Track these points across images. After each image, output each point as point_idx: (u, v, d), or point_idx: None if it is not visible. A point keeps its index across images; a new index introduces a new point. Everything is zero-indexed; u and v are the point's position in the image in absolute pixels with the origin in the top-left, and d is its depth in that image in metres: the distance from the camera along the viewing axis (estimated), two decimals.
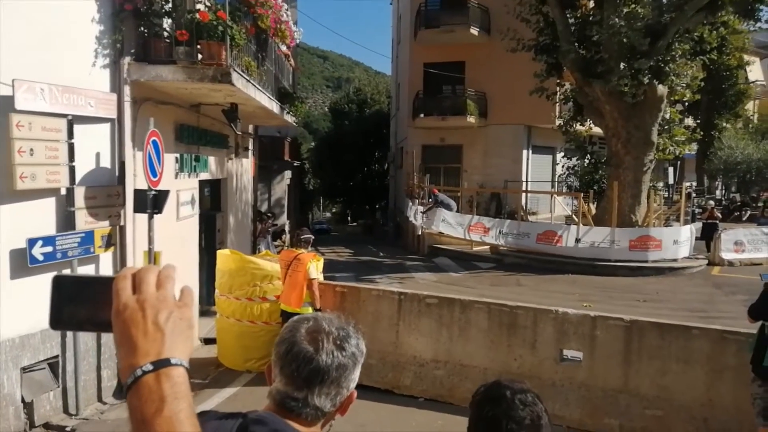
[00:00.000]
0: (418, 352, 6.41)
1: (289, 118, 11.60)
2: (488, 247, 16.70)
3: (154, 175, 6.55)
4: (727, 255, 15.55)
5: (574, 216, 16.91)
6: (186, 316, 0.81)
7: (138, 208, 6.48)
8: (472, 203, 18.67)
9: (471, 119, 21.60)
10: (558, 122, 19.16)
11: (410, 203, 19.58)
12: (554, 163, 24.15)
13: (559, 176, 22.47)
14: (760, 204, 24.67)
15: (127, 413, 0.75)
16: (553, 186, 23.46)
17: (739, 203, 25.43)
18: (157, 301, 0.78)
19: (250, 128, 12.51)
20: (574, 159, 20.64)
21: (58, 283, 0.83)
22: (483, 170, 22.37)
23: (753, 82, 29.89)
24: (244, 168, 12.27)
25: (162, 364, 0.75)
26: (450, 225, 17.23)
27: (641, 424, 5.39)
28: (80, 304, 0.82)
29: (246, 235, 12.89)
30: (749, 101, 30.26)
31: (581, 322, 5.78)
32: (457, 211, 18.02)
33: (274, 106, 9.82)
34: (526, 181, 21.85)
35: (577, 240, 15.03)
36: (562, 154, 23.55)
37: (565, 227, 15.94)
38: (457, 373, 6.12)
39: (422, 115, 22.31)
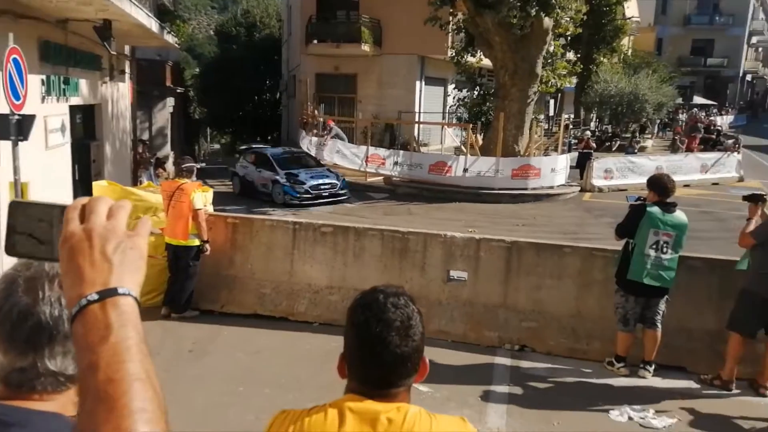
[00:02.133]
0: (313, 279, 6.48)
1: (170, 39, 10.78)
2: (381, 178, 16.93)
3: (17, 98, 5.86)
4: (597, 182, 16.90)
5: (462, 147, 17.49)
6: (138, 245, 0.78)
7: (0, 135, 5.81)
8: (366, 134, 18.67)
9: (366, 47, 21.23)
10: (450, 53, 19.36)
11: (304, 134, 19.22)
12: (446, 95, 24.57)
13: (450, 108, 22.96)
14: (629, 135, 26.81)
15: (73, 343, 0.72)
16: (444, 117, 23.95)
17: (610, 134, 27.46)
18: (106, 230, 0.76)
19: (127, 49, 11.49)
20: (464, 91, 21.10)
21: (14, 209, 0.80)
22: (377, 101, 22.30)
23: (630, 18, 31.71)
24: (120, 93, 11.34)
25: (108, 293, 0.72)
26: (345, 156, 17.21)
27: (517, 335, 5.89)
28: (34, 231, 0.80)
29: (125, 167, 12.10)
30: (625, 37, 32.16)
31: (467, 244, 6.09)
32: (350, 142, 17.99)
33: (152, 25, 9.05)
34: (419, 113, 22.11)
35: (465, 170, 15.63)
36: (453, 85, 23.99)
37: (454, 158, 16.48)
38: (351, 297, 6.20)
39: (315, 42, 21.60)
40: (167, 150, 20.70)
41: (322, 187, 14.44)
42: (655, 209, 5.16)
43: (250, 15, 37.62)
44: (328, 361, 5.17)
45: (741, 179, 19.01)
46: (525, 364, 5.58)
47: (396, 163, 16.52)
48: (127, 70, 11.67)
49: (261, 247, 6.60)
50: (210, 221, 6.43)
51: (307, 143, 18.17)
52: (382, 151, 17.04)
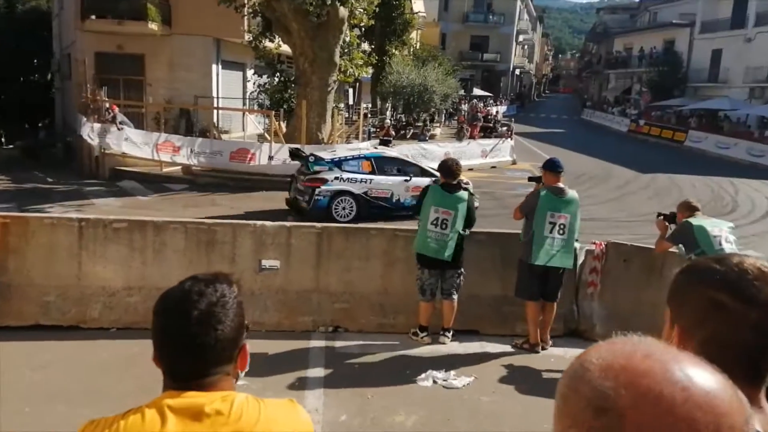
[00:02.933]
0: (107, 281, 5.88)
1: None
2: (180, 167, 15.95)
3: None
4: None
5: (266, 134, 17.24)
6: None
7: None
8: (159, 120, 17.36)
9: (153, 26, 19.64)
10: (248, 37, 18.85)
11: (84, 120, 17.23)
12: (245, 80, 23.93)
13: (250, 93, 22.43)
14: (420, 124, 28.87)
15: None
16: (244, 104, 23.34)
17: (404, 123, 29.28)
18: None
19: None
20: (264, 77, 20.74)
21: None
22: (170, 84, 20.84)
23: (417, 13, 33.98)
24: None
25: None
26: (135, 144, 15.79)
27: (331, 317, 6.03)
28: None
29: None
30: (414, 30, 34.42)
31: (278, 232, 6.04)
32: (137, 128, 16.57)
33: None
34: (217, 98, 21.21)
35: (270, 157, 15.44)
36: (253, 71, 23.45)
37: (258, 145, 16.16)
38: (154, 297, 5.66)
39: (93, 17, 19.38)
40: None
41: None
42: (437, 188, 5.78)
43: None
44: (131, 367, 4.79)
45: (514, 162, 21.69)
46: (339, 344, 5.74)
47: (192, 152, 15.63)
48: None
49: (40, 249, 5.79)
50: None
51: (89, 130, 16.31)
52: (176, 139, 15.96)
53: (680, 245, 5.24)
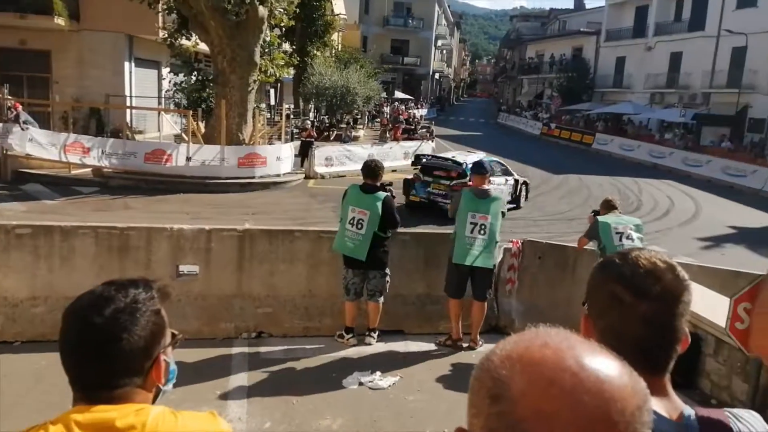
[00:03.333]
0: (9, 291, 5.47)
1: None
2: (90, 169, 15.09)
3: None
4: (319, 169, 17.83)
5: (183, 134, 16.65)
6: None
7: None
8: (67, 120, 16.34)
9: (60, 21, 18.47)
10: (162, 34, 18.14)
11: None
12: (160, 79, 23.01)
13: (166, 92, 21.60)
14: (344, 125, 28.86)
15: None
16: (160, 103, 22.44)
17: (328, 124, 29.17)
18: None
19: None
20: (181, 75, 20.02)
21: None
22: (78, 82, 19.69)
23: (337, 15, 33.94)
24: None
25: None
26: (41, 145, 14.77)
27: (254, 322, 5.91)
28: None
29: None
30: (335, 32, 34.36)
31: (197, 236, 5.85)
32: (43, 128, 15.53)
33: None
34: (130, 97, 20.26)
35: (188, 158, 14.93)
36: (168, 69, 22.58)
37: (174, 146, 15.58)
38: (61, 308, 5.36)
39: None
40: None
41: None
42: (355, 187, 5.84)
43: None
44: (38, 383, 4.49)
45: None
46: (263, 349, 5.63)
47: (104, 153, 14.84)
48: None
49: None
50: None
51: None
52: (85, 139, 15.09)
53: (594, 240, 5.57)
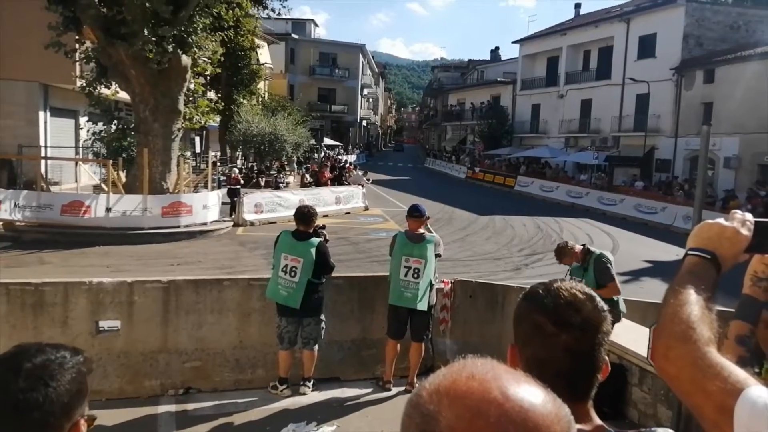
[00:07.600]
0: None
1: None
2: (1, 223, 14.16)
3: None
4: (249, 216, 17.54)
5: (103, 185, 16.00)
6: None
7: None
8: None
9: None
10: (80, 83, 17.56)
11: None
12: (78, 128, 22.14)
13: (84, 142, 20.77)
14: (274, 171, 28.69)
15: None
16: (77, 153, 21.54)
17: (256, 171, 28.90)
18: None
19: None
20: (100, 124, 19.35)
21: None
22: None
23: (263, 64, 34.14)
24: None
25: None
26: None
27: (181, 378, 5.62)
28: None
29: None
30: (261, 81, 34.47)
31: (118, 289, 5.56)
32: None
33: None
34: (46, 147, 19.33)
35: (108, 209, 14.33)
36: (87, 118, 21.79)
37: (93, 197, 14.95)
38: None
39: None
40: None
41: None
42: (287, 234, 5.73)
43: None
44: None
45: (366, 208, 22.32)
46: (191, 406, 5.34)
47: (17, 206, 14.03)
48: None
49: None
50: None
51: None
52: None
53: None
